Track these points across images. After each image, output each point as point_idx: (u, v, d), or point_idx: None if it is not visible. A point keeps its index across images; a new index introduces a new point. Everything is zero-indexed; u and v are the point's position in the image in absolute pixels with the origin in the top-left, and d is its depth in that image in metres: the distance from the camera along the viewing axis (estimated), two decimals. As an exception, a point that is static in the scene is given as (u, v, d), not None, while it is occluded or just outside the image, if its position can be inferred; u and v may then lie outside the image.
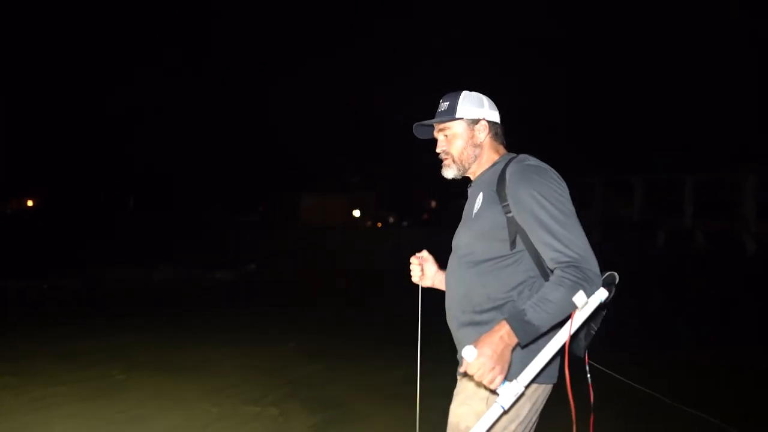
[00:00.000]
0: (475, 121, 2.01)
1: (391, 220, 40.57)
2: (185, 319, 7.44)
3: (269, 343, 6.19)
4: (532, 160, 1.89)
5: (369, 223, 39.31)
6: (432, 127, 2.09)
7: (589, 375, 1.81)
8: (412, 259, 2.22)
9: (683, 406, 3.09)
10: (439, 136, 2.05)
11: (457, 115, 2.00)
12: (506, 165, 1.90)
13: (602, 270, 1.76)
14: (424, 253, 2.24)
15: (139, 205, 28.41)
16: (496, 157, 2.02)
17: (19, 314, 7.62)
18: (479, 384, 1.70)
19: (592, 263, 1.70)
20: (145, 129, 31.15)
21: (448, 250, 2.00)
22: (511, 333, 1.63)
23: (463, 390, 1.88)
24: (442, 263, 2.19)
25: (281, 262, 15.33)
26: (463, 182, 2.07)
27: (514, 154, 2.00)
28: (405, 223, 39.38)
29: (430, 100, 2.11)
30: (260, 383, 4.64)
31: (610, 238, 18.42)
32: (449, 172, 2.04)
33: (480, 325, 1.84)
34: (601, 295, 1.68)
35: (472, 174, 2.06)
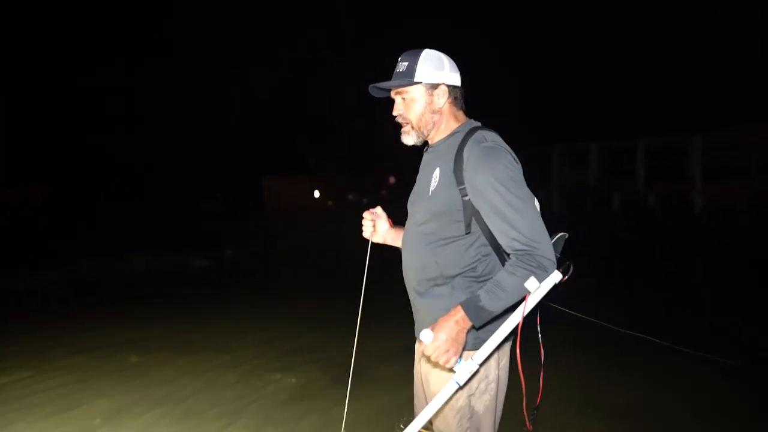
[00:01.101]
0: (435, 86, 1.91)
1: (350, 197, 40.60)
2: (181, 305, 7.59)
3: (272, 320, 6.45)
4: (490, 141, 1.81)
5: (330, 203, 39.35)
6: (379, 94, 1.98)
7: (540, 335, 1.86)
8: (365, 214, 2.17)
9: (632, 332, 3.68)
10: (397, 99, 1.95)
11: (415, 79, 1.88)
12: (463, 142, 1.84)
13: (563, 251, 1.80)
14: (378, 210, 2.19)
15: (104, 196, 27.70)
16: (455, 125, 1.95)
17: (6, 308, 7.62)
18: (436, 363, 1.77)
19: (545, 250, 1.71)
20: (102, 119, 30.22)
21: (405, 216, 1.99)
22: (466, 318, 1.68)
23: (427, 361, 1.93)
24: (396, 222, 2.18)
25: (254, 246, 15.43)
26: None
27: (473, 124, 1.93)
28: (365, 200, 39.48)
29: (389, 66, 1.94)
30: (276, 356, 4.92)
31: (569, 206, 19.33)
32: (408, 139, 1.96)
33: (434, 298, 1.89)
34: (555, 278, 1.72)
35: (430, 139, 1.98)
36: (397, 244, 2.13)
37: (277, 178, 38.43)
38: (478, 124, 1.93)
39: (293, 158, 39.75)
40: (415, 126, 1.91)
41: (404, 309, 2.04)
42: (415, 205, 1.95)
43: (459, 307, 1.69)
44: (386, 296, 2.15)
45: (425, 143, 2.00)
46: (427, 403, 1.88)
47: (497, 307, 1.70)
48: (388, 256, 2.36)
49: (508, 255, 1.77)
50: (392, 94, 1.94)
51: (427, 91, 1.89)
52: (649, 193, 15.83)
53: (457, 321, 1.67)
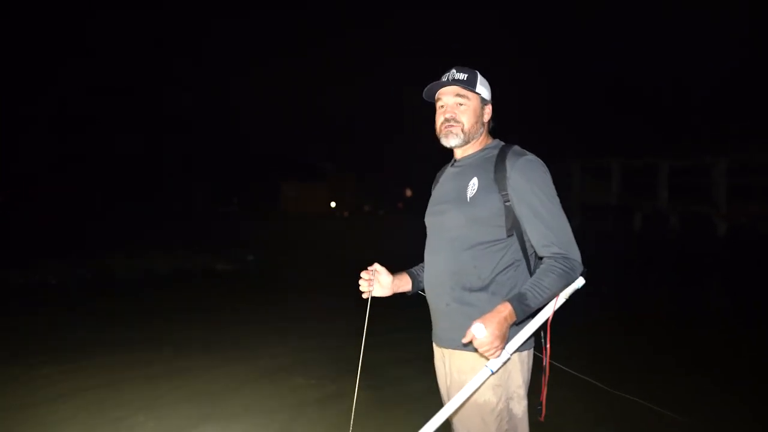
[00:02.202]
0: (486, 103, 2.08)
1: (366, 209, 40.69)
2: (209, 309, 7.72)
3: (300, 325, 6.55)
4: (530, 155, 1.99)
5: (346, 213, 39.46)
6: (437, 90, 2.07)
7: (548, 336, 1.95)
8: (363, 274, 2.20)
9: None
10: (450, 100, 2.05)
11: (477, 90, 2.03)
12: (502, 154, 1.99)
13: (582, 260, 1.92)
14: (377, 266, 2.23)
15: (118, 197, 28.04)
16: (486, 142, 2.10)
17: (33, 306, 7.78)
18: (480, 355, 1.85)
19: (576, 254, 1.90)
20: (119, 120, 30.66)
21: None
22: (513, 314, 1.80)
23: (459, 363, 2.02)
24: (394, 267, 2.22)
25: (275, 252, 15.57)
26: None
27: (503, 143, 2.08)
28: (381, 212, 39.51)
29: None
30: (313, 362, 4.98)
31: (590, 222, 19.24)
32: (453, 140, 2.05)
33: (468, 306, 1.98)
34: (579, 282, 1.91)
35: (462, 152, 2.10)
36: (407, 288, 2.24)
37: (295, 184, 38.68)
38: (503, 143, 2.07)
39: (311, 165, 39.97)
40: (465, 130, 2.03)
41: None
42: (446, 213, 2.04)
43: (507, 304, 1.80)
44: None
45: (448, 159, 2.15)
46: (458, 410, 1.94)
47: (537, 305, 1.84)
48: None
49: (540, 258, 1.95)
50: (449, 97, 2.04)
51: (481, 104, 2.06)
52: (672, 214, 15.74)
53: (505, 317, 1.78)
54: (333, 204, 39.29)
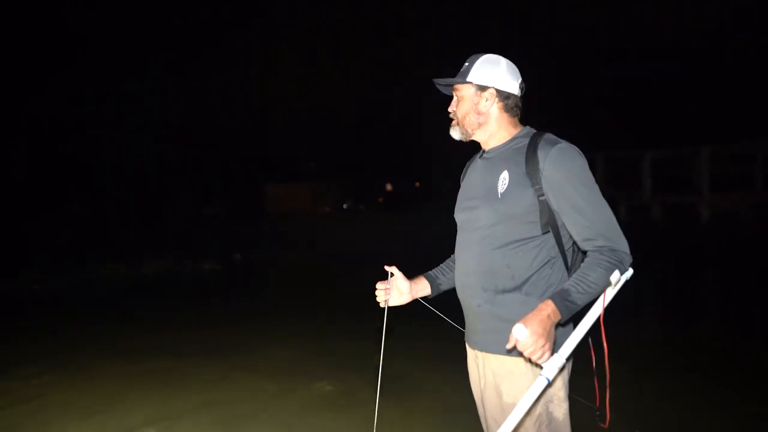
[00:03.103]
0: (483, 88, 1.95)
1: (345, 206, 40.52)
2: (203, 310, 7.60)
3: (298, 325, 6.45)
4: (563, 142, 1.84)
5: (327, 209, 39.25)
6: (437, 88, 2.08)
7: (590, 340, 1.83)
8: (378, 285, 2.13)
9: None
10: (452, 94, 2.05)
11: (467, 79, 1.95)
12: (533, 144, 1.86)
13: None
14: (394, 270, 2.14)
15: (100, 202, 27.53)
16: (514, 131, 1.97)
17: (24, 316, 7.61)
18: (527, 360, 1.74)
19: (624, 245, 1.75)
20: (98, 125, 30.10)
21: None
22: (557, 311, 1.66)
23: (494, 366, 1.90)
24: (412, 270, 2.16)
25: (260, 251, 15.44)
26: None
27: (534, 131, 1.95)
28: (362, 207, 39.35)
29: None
30: (312, 362, 4.90)
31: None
32: (454, 133, 2.04)
33: (500, 307, 1.87)
34: (629, 273, 1.76)
35: (484, 144, 2.01)
36: (425, 293, 2.15)
37: (277, 184, 38.44)
38: (535, 130, 1.95)
39: (293, 164, 39.69)
40: (459, 122, 1.98)
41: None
42: (477, 209, 1.93)
43: (549, 302, 1.67)
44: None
45: (476, 150, 2.06)
46: (493, 414, 1.90)
47: (583, 301, 1.70)
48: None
49: (583, 252, 1.81)
50: (449, 91, 2.04)
51: (475, 92, 1.95)
52: (655, 204, 15.95)
53: (549, 315, 1.64)
54: (317, 200, 39.02)
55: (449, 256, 2.25)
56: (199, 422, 3.63)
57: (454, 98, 2.01)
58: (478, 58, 1.97)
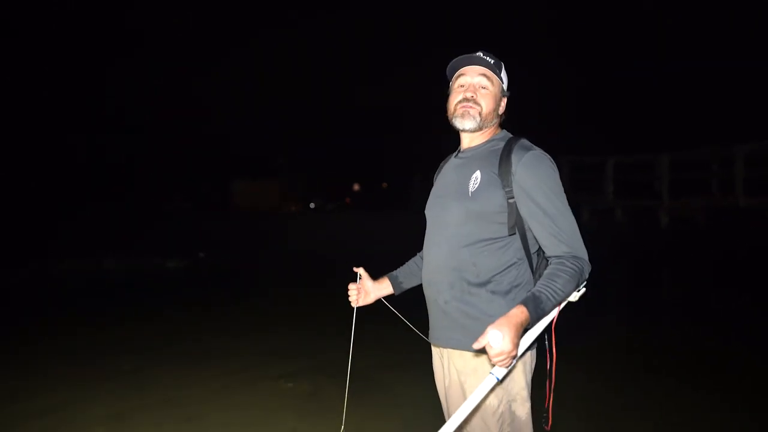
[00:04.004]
0: (505, 94, 1.98)
1: (312, 205, 40.31)
2: (166, 310, 7.45)
3: (269, 325, 6.38)
4: (537, 149, 1.87)
5: (293, 207, 38.93)
6: (463, 66, 1.94)
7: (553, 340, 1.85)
8: (351, 286, 2.15)
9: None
10: (476, 79, 1.93)
11: (501, 76, 1.94)
12: (507, 148, 1.86)
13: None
14: (361, 270, 2.16)
15: (60, 197, 26.63)
16: (494, 133, 1.98)
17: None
18: (487, 361, 1.78)
19: (584, 253, 1.80)
20: (61, 119, 29.17)
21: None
22: (528, 318, 1.67)
23: (459, 364, 1.92)
24: (376, 271, 2.19)
25: (226, 248, 15.23)
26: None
27: (510, 135, 1.97)
28: (330, 206, 39.24)
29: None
30: (281, 363, 4.86)
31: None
32: (469, 122, 1.93)
33: (467, 305, 1.88)
34: (582, 291, 1.82)
35: (469, 140, 1.99)
36: (387, 292, 2.18)
37: (243, 180, 37.91)
38: (511, 135, 1.98)
39: (259, 160, 39.26)
40: (483, 114, 1.92)
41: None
42: (447, 206, 1.94)
43: (523, 308, 1.67)
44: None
45: (452, 151, 2.07)
46: (453, 411, 1.91)
47: (550, 307, 1.73)
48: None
49: (546, 258, 1.84)
50: (476, 74, 1.93)
51: (500, 93, 1.97)
52: (617, 208, 16.37)
53: (521, 323, 1.65)
54: (284, 198, 38.65)
55: (414, 255, 2.28)
56: (160, 421, 3.56)
57: (478, 84, 1.92)
58: (501, 63, 1.96)
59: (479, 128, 1.95)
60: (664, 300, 8.87)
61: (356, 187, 42.30)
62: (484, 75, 1.93)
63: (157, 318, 6.75)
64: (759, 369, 4.79)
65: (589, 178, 16.62)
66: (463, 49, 2.02)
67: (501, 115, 2.00)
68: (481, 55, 1.93)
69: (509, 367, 1.71)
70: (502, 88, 1.97)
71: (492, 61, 1.93)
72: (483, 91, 1.93)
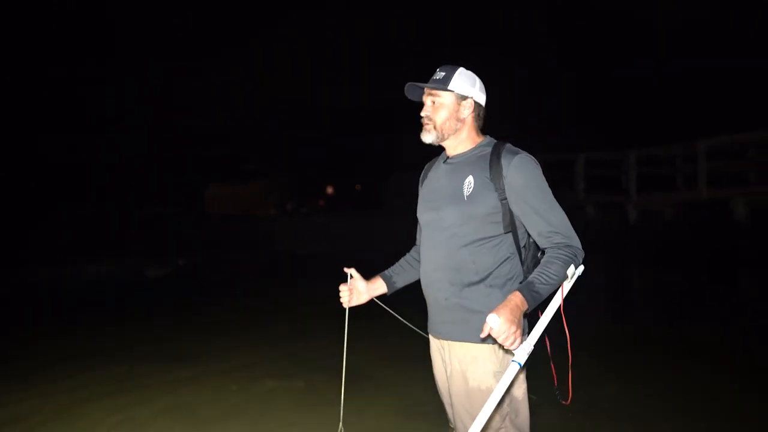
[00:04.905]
0: (464, 98, 2.11)
1: (288, 207, 40.06)
2: (150, 315, 7.51)
3: (260, 327, 6.47)
4: (523, 153, 2.06)
5: (272, 211, 38.63)
6: (422, 90, 2.16)
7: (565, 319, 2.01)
8: (342, 287, 2.27)
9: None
10: (427, 101, 2.13)
11: (449, 87, 2.10)
12: (496, 153, 2.03)
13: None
14: (353, 271, 2.27)
15: (34, 202, 25.99)
16: (478, 140, 2.14)
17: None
18: (499, 346, 1.93)
19: (577, 241, 2.01)
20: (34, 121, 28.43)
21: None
22: (524, 301, 1.86)
23: (460, 354, 2.05)
24: (368, 272, 2.30)
25: (205, 254, 15.20)
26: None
27: (495, 140, 2.13)
28: (304, 209, 39.05)
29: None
30: (273, 362, 4.98)
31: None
32: (428, 137, 2.11)
33: (467, 299, 2.04)
34: (581, 268, 2.01)
35: (451, 149, 2.15)
36: (381, 291, 2.32)
37: (218, 184, 37.48)
38: (496, 140, 2.17)
39: (238, 165, 38.85)
40: (437, 127, 2.12)
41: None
42: (442, 210, 2.11)
43: (517, 293, 1.88)
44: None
45: (431, 154, 2.25)
46: (460, 399, 2.09)
47: (546, 292, 1.94)
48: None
49: (539, 249, 2.07)
50: (424, 97, 2.16)
51: (456, 101, 2.13)
52: (588, 204, 16.82)
53: (517, 305, 1.85)
54: (261, 201, 38.32)
55: (402, 256, 2.47)
56: (163, 427, 3.67)
57: (429, 103, 2.13)
58: (455, 69, 2.13)
59: (441, 139, 2.14)
60: (637, 292, 9.26)
61: (330, 189, 42.18)
62: (431, 94, 2.14)
63: (146, 323, 6.84)
64: (711, 345, 5.15)
65: (562, 175, 17.04)
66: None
67: (473, 118, 2.14)
68: (436, 72, 2.11)
69: (528, 353, 1.88)
70: (458, 95, 2.12)
71: (442, 75, 2.10)
72: (434, 107, 2.12)
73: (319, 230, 20.81)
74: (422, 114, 2.16)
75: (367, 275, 2.36)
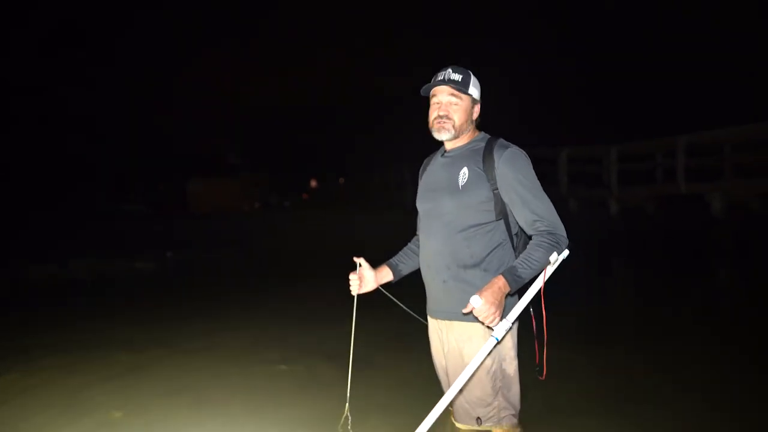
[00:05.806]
0: (476, 102, 2.31)
1: (272, 202, 39.84)
2: (146, 307, 7.56)
3: (260, 314, 6.54)
4: (514, 147, 2.24)
5: (257, 205, 38.45)
6: (433, 88, 2.26)
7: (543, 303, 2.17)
8: (351, 275, 2.40)
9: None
10: (446, 98, 2.24)
11: (468, 91, 2.26)
12: (489, 147, 2.21)
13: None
14: (362, 260, 2.41)
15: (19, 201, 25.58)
16: (473, 135, 2.32)
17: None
18: (484, 326, 2.10)
19: (561, 229, 2.18)
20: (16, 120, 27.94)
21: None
22: (506, 284, 2.04)
23: (457, 333, 2.22)
24: (375, 260, 2.44)
25: (192, 247, 15.20)
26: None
27: (489, 136, 2.31)
28: (287, 203, 38.91)
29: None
30: (274, 348, 5.08)
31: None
32: (444, 134, 2.25)
33: (464, 282, 2.21)
34: (565, 253, 2.16)
35: (451, 144, 2.31)
36: (387, 279, 2.47)
37: (202, 179, 37.21)
38: (489, 135, 2.37)
39: (220, 160, 38.60)
40: (456, 126, 2.28)
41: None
42: (440, 199, 2.27)
43: (501, 277, 2.07)
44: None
45: (438, 152, 2.40)
46: (456, 375, 2.23)
47: (528, 276, 2.12)
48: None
49: (529, 237, 2.23)
50: (443, 95, 2.27)
51: (471, 104, 2.32)
52: (571, 198, 17.15)
53: (500, 287, 2.05)
54: (242, 196, 38.07)
55: (405, 244, 2.64)
56: (169, 408, 3.79)
57: (446, 101, 2.25)
58: (469, 74, 2.26)
59: (455, 137, 2.31)
60: (617, 281, 9.56)
61: (313, 183, 42.03)
62: (453, 95, 2.27)
63: (144, 314, 6.89)
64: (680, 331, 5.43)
65: (545, 170, 17.35)
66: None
67: (476, 120, 2.35)
68: (450, 72, 2.25)
69: (506, 329, 2.09)
70: (473, 98, 2.30)
71: (460, 78, 2.25)
72: (454, 107, 2.27)
73: (306, 224, 20.87)
74: (440, 113, 2.27)
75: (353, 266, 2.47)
